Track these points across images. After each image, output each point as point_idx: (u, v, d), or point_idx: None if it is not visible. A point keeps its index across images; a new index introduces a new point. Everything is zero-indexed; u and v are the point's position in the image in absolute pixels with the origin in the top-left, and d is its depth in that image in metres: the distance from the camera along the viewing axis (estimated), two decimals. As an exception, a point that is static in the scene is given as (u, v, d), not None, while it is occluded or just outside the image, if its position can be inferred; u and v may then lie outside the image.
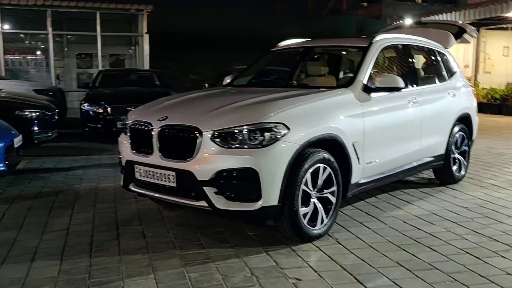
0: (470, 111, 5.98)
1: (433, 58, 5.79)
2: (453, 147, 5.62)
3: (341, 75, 5.40)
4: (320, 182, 3.81)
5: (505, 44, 17.52)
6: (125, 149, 4.14)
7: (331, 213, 3.93)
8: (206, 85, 11.60)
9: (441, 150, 5.46)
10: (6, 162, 5.27)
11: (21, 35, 15.53)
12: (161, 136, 3.77)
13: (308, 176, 3.67)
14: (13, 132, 5.72)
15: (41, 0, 13.53)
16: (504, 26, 16.53)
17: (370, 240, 3.86)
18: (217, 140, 3.53)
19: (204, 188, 3.51)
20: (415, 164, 5.07)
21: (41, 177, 6.25)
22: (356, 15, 28.80)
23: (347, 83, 4.40)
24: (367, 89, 4.35)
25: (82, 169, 6.81)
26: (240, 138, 3.51)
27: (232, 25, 25.65)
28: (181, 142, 3.67)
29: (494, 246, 3.74)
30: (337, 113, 4.01)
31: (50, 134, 7.34)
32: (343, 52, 5.55)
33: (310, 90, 4.36)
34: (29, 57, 15.52)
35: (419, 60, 7.39)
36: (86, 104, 9.58)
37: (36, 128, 7.04)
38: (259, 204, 3.47)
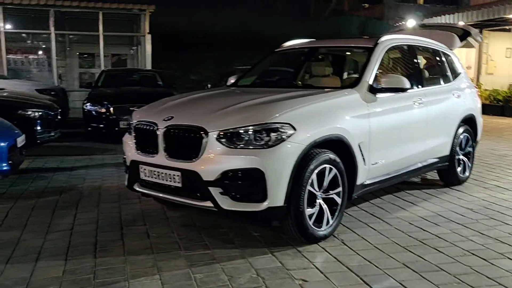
0: (475, 112, 5.97)
1: (438, 59, 5.77)
2: (457, 148, 5.60)
3: (345, 75, 5.40)
4: (326, 183, 3.79)
5: (508, 45, 17.50)
6: (130, 149, 4.13)
7: (336, 214, 3.92)
8: (209, 85, 11.57)
9: (446, 151, 5.44)
10: (10, 162, 5.25)
11: (24, 34, 15.52)
12: (166, 136, 3.75)
13: (314, 176, 3.65)
14: (16, 131, 5.70)
15: (43, -1, 13.54)
16: (507, 27, 16.49)
17: (376, 241, 3.85)
18: (223, 140, 3.52)
19: (209, 188, 3.50)
20: (420, 165, 5.06)
21: (44, 176, 6.24)
22: (358, 16, 28.79)
23: (353, 84, 4.39)
24: (373, 90, 4.33)
25: (85, 169, 6.80)
26: (246, 138, 3.49)
27: (232, 26, 25.69)
28: (186, 142, 3.65)
29: (500, 248, 3.73)
30: (343, 114, 4.00)
31: (52, 134, 7.33)
32: (348, 53, 5.53)
33: (316, 91, 4.34)
34: (31, 56, 15.51)
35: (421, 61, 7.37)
36: (89, 104, 9.57)
37: (39, 128, 7.03)
38: (265, 204, 3.46)
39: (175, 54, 22.32)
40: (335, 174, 3.84)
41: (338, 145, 3.88)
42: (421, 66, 5.98)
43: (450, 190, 5.53)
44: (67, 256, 3.54)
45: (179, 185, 3.66)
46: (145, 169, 3.90)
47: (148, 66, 14.81)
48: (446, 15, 16.38)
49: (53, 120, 7.38)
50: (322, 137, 3.72)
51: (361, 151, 4.08)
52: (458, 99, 5.64)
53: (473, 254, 3.60)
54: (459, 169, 5.68)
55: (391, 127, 4.50)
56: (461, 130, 5.63)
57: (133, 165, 4.05)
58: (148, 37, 14.98)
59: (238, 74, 6.03)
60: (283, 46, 5.70)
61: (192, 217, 4.45)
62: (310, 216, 3.69)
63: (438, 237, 3.97)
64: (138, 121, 4.08)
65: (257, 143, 3.48)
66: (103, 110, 9.35)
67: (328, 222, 3.84)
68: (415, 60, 5.24)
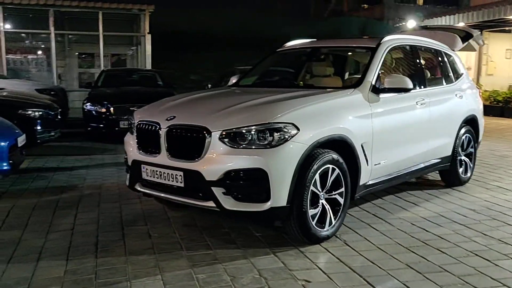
0: (477, 113, 5.95)
1: (440, 59, 5.76)
2: (459, 149, 5.59)
3: (346, 76, 5.38)
4: (328, 183, 3.77)
5: (508, 46, 17.53)
6: (132, 148, 4.11)
7: (339, 214, 3.90)
8: (209, 85, 11.55)
9: (448, 152, 5.43)
10: (10, 161, 5.23)
11: (23, 34, 15.50)
12: (169, 136, 3.73)
13: (317, 177, 3.63)
14: (16, 131, 5.68)
15: (43, -1, 13.52)
16: (507, 28, 16.51)
17: (379, 242, 3.83)
18: (226, 140, 3.50)
19: (212, 188, 3.48)
20: (422, 165, 5.04)
21: (45, 176, 6.22)
22: (358, 17, 28.80)
23: (356, 84, 4.37)
24: (376, 90, 4.31)
25: (85, 168, 6.77)
26: (249, 138, 3.47)
27: (232, 26, 25.71)
28: (189, 142, 3.63)
29: (504, 249, 3.71)
30: (346, 114, 3.98)
31: (53, 134, 7.32)
32: (350, 53, 5.52)
33: (318, 91, 4.32)
34: (30, 56, 15.49)
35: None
36: (89, 103, 9.56)
37: (39, 128, 7.02)
38: (268, 205, 3.44)
39: (175, 54, 22.33)
40: (338, 174, 3.82)
41: (341, 145, 3.87)
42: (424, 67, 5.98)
43: (451, 190, 5.52)
44: (68, 256, 3.52)
45: (182, 185, 3.64)
46: (147, 169, 3.88)
47: (148, 66, 14.79)
48: (446, 16, 16.38)
49: (53, 120, 7.36)
50: (325, 137, 3.70)
51: (364, 151, 4.07)
52: (460, 99, 5.63)
53: (477, 255, 3.58)
54: (460, 169, 5.67)
55: (394, 127, 4.49)
56: (463, 131, 5.61)
57: (134, 165, 4.03)
58: (148, 37, 14.96)
59: (238, 74, 6.01)
60: (285, 46, 5.69)
61: (193, 217, 4.43)
62: (313, 216, 3.67)
63: (441, 237, 3.95)
64: (140, 121, 4.05)
65: (260, 143, 3.46)
66: (103, 110, 9.33)
67: (330, 222, 3.82)
68: (418, 61, 5.22)
